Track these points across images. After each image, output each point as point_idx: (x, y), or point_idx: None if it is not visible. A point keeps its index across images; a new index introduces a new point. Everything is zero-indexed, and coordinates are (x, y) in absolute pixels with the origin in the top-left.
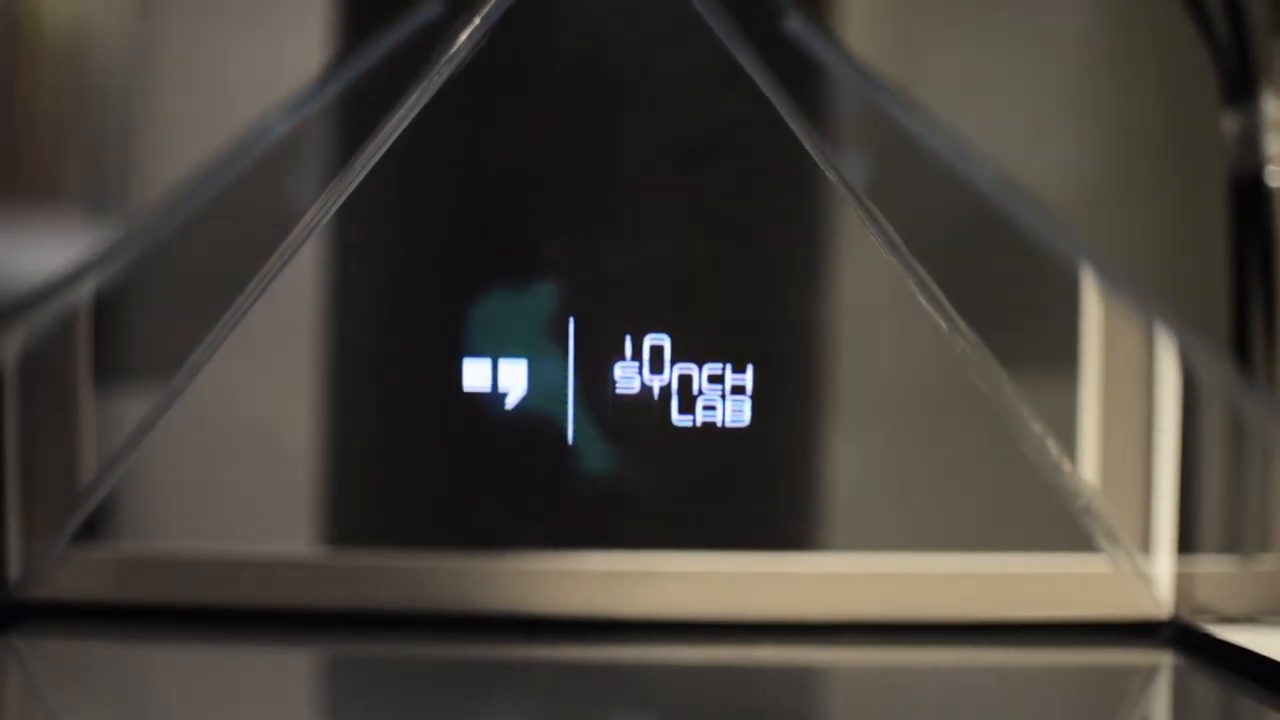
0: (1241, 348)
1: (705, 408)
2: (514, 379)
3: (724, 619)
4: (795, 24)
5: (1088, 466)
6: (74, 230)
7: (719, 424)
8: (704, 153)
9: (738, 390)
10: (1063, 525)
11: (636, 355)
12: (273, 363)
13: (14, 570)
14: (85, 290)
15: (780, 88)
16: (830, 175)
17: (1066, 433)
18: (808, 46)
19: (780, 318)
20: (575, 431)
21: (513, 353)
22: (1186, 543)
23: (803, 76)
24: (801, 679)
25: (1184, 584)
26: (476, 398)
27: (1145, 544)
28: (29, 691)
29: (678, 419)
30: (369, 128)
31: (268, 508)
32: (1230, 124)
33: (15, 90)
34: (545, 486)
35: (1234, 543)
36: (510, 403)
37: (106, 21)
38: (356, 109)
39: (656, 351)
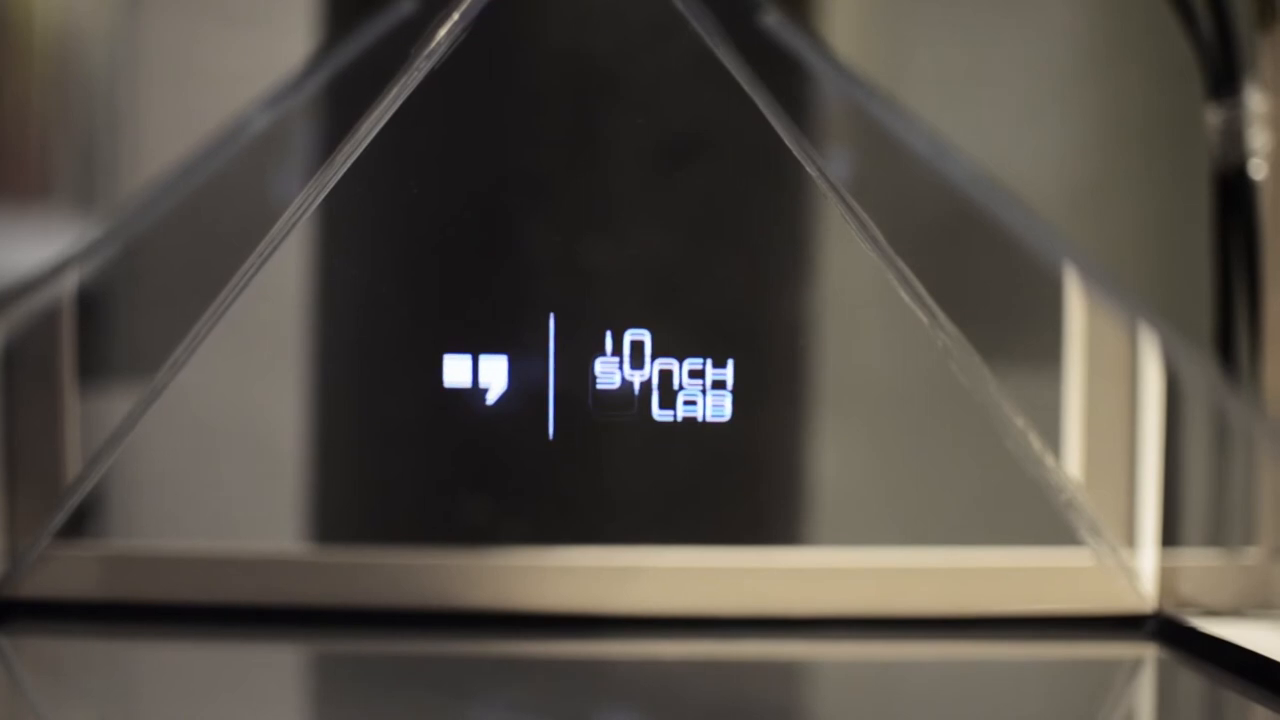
0: (1225, 342)
1: (686, 403)
2: (495, 375)
3: (706, 614)
4: (773, 19)
5: (1071, 460)
6: (57, 225)
7: (700, 419)
8: (685, 148)
9: (718, 385)
10: (1047, 519)
11: (617, 351)
12: (256, 358)
13: None
14: (69, 285)
15: (761, 83)
16: (811, 170)
17: (1050, 427)
18: (786, 42)
19: (761, 313)
20: (556, 427)
21: (493, 349)
22: (1170, 536)
23: (783, 72)
24: (786, 674)
25: (1168, 578)
26: (457, 394)
27: (1129, 538)
28: (13, 689)
29: (658, 414)
30: (350, 123)
31: (253, 504)
32: (1215, 118)
33: (0, 86)
34: (527, 482)
35: (1218, 536)
36: (491, 399)
37: (91, 17)
38: (338, 104)
39: (637, 347)
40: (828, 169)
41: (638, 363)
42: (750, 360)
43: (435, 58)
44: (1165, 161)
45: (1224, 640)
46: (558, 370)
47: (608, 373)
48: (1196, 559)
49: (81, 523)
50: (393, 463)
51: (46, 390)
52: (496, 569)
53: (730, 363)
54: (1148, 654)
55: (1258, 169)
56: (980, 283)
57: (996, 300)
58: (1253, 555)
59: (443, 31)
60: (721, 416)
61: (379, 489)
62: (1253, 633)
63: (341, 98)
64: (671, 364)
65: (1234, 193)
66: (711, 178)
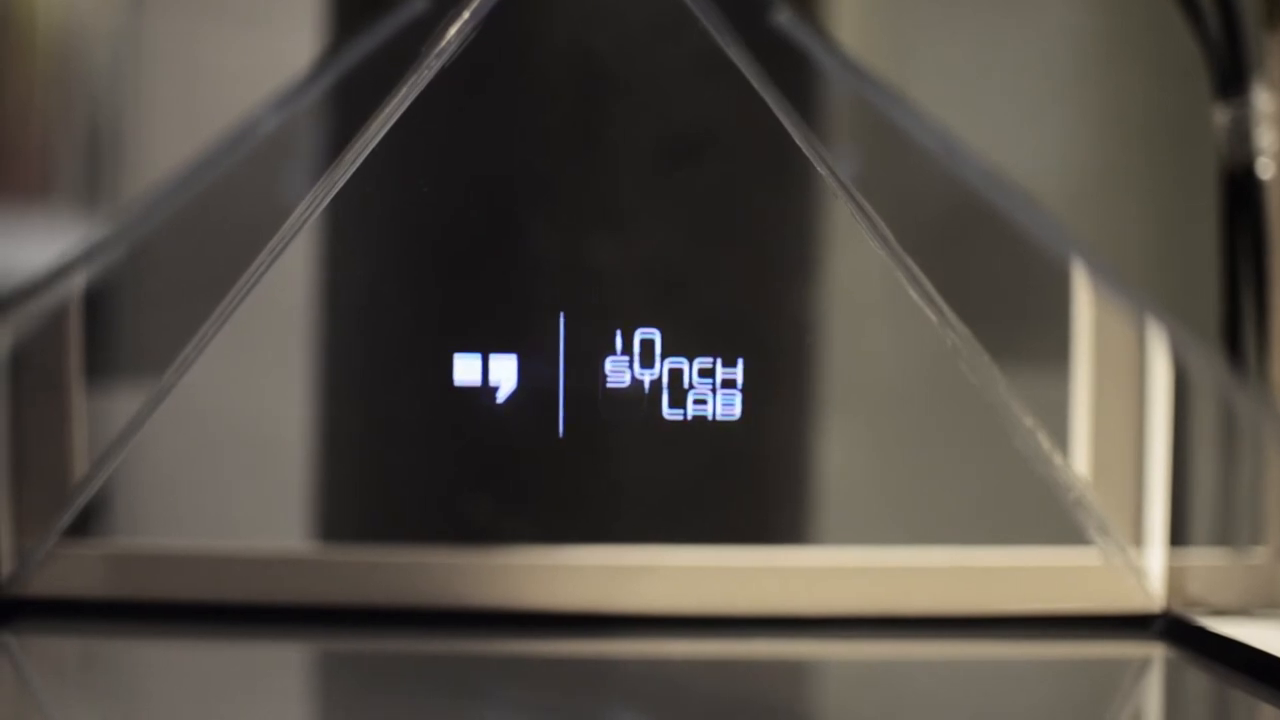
0: (1233, 340)
1: (696, 402)
2: (504, 374)
3: (714, 613)
4: (784, 17)
5: (1079, 459)
6: (64, 225)
7: (710, 418)
8: (694, 147)
9: (728, 384)
10: (1054, 518)
11: (627, 349)
12: (264, 358)
13: (5, 566)
14: (76, 285)
15: (770, 81)
16: (820, 169)
17: (1058, 425)
18: (796, 39)
19: (771, 311)
20: (566, 426)
21: (503, 347)
22: (1178, 535)
23: (792, 70)
24: (792, 673)
25: (1176, 577)
26: (467, 392)
27: (1137, 537)
28: (21, 688)
29: (668, 413)
30: (359, 123)
31: (260, 503)
32: (1221, 117)
33: (4, 85)
34: (536, 481)
35: (1225, 535)
36: (501, 397)
37: (96, 16)
38: (346, 104)
39: (647, 345)
40: (837, 167)
41: (648, 361)
42: (760, 359)
43: (445, 56)
44: (1173, 160)
45: (1232, 640)
46: (568, 369)
47: (618, 371)
48: (1204, 558)
49: (88, 522)
50: (402, 461)
51: (53, 390)
52: (504, 568)
53: (740, 362)
54: (1155, 653)
55: (1265, 168)
56: (989, 281)
57: (1005, 299)
58: (1261, 554)
59: (453, 30)
60: (731, 415)
61: (387, 488)
62: (1261, 632)
63: (351, 97)
64: (681, 363)
65: (1242, 191)
66: (721, 176)
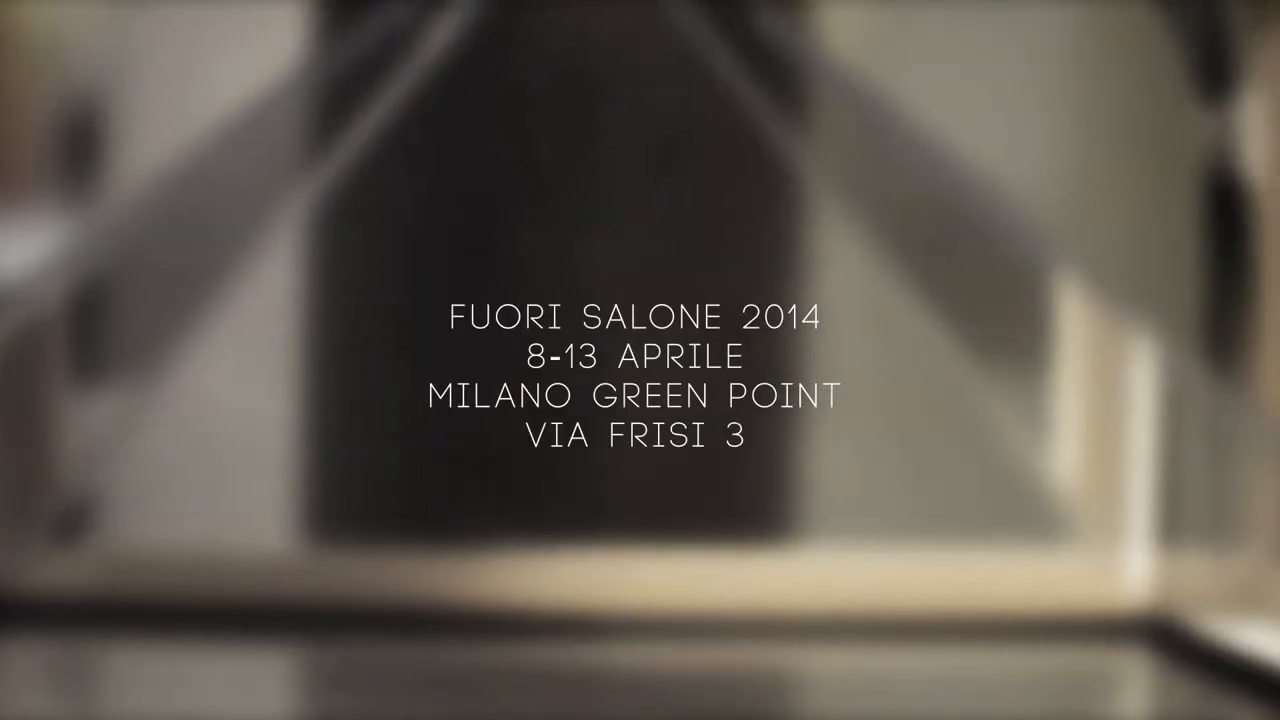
0: (1221, 341)
1: (688, 401)
2: (496, 372)
3: (699, 613)
4: (768, 20)
5: (1066, 461)
6: (51, 225)
7: (701, 417)
8: (681, 149)
9: (719, 383)
10: (1041, 520)
11: (617, 348)
12: (251, 358)
13: None
14: (62, 285)
15: (755, 84)
16: (805, 170)
17: (1044, 427)
18: (781, 43)
19: (759, 313)
20: (556, 426)
21: (492, 345)
22: (1164, 537)
23: (777, 72)
24: (775, 674)
25: (1162, 579)
26: (458, 391)
27: (1123, 539)
28: (8, 690)
29: (660, 412)
30: (345, 123)
31: (248, 504)
32: (1208, 121)
33: None
34: (526, 482)
35: (1212, 538)
36: (489, 395)
37: (82, 14)
38: (333, 105)
39: (637, 344)
40: (821, 169)
41: (640, 361)
42: (749, 360)
43: (430, 60)
44: (1158, 163)
45: (1218, 641)
46: (556, 368)
47: (607, 370)
48: (1191, 560)
49: (76, 523)
50: (391, 462)
51: (40, 390)
52: (494, 570)
53: (730, 362)
54: (1142, 656)
55: (1253, 169)
56: (974, 282)
57: (991, 300)
58: (1247, 556)
59: (438, 35)
60: (722, 415)
61: (375, 488)
62: (1247, 634)
63: (338, 98)
64: (672, 363)
65: (1229, 193)
66: (709, 178)
